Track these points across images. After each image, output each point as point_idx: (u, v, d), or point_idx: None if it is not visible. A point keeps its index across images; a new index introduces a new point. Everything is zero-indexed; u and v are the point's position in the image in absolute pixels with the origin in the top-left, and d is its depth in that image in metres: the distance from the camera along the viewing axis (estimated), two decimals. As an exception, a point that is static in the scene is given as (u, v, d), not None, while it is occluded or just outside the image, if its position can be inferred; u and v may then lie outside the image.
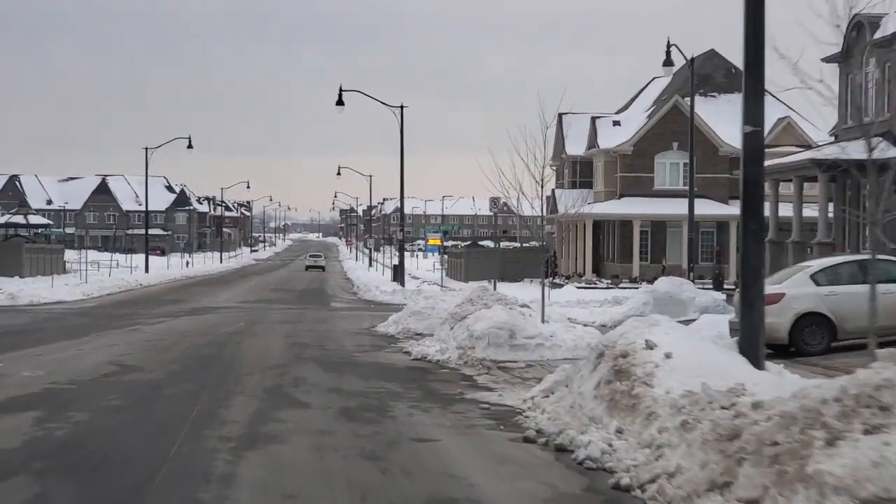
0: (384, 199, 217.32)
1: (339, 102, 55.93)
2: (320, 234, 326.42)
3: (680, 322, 33.00)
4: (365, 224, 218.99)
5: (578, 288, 53.38)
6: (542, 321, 23.89)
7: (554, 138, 67.33)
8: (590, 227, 55.98)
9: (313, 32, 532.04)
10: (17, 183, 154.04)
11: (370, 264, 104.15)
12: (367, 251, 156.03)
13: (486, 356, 21.73)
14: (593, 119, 58.62)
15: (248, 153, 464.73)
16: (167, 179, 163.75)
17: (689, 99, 57.85)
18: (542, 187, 30.58)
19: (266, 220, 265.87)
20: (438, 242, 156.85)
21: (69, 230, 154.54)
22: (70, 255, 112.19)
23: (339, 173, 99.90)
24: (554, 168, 71.37)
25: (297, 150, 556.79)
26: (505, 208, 38.57)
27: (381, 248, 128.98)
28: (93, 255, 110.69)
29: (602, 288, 54.19)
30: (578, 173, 62.06)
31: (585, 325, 28.55)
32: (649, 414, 10.94)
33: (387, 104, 56.50)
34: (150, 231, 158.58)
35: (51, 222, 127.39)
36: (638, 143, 56.04)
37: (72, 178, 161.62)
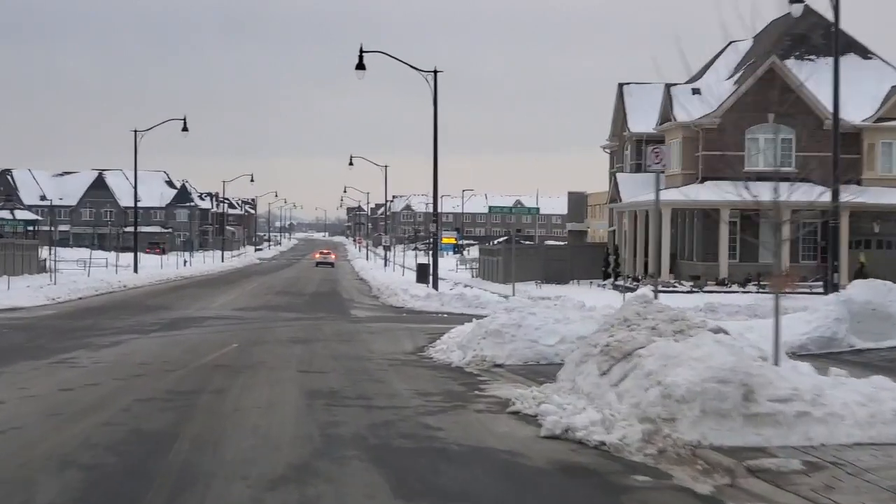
0: (393, 197, 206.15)
1: (360, 66, 45.14)
2: (326, 233, 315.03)
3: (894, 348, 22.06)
4: (373, 222, 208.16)
5: (655, 292, 42.21)
6: (776, 363, 12.89)
7: (612, 115, 56.29)
8: (667, 217, 44.85)
9: (316, 32, 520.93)
10: (8, 177, 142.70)
11: (385, 263, 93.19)
12: (381, 249, 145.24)
13: (703, 438, 10.78)
14: (668, 87, 47.47)
15: (252, 154, 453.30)
16: (167, 175, 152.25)
17: (788, 62, 46.92)
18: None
19: (271, 220, 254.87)
20: (452, 241, 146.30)
21: (63, 227, 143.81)
22: (59, 252, 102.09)
23: (350, 163, 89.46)
24: (608, 151, 60.25)
25: (301, 150, 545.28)
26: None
27: (392, 247, 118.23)
28: (82, 252, 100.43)
29: (684, 292, 43.14)
30: (644, 154, 50.88)
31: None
32: None
33: (417, 68, 45.58)
34: (150, 229, 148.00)
35: (40, 218, 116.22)
36: (726, 115, 44.95)
37: (67, 173, 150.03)
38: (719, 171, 45.93)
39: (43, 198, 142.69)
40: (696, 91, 47.36)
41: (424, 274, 58.27)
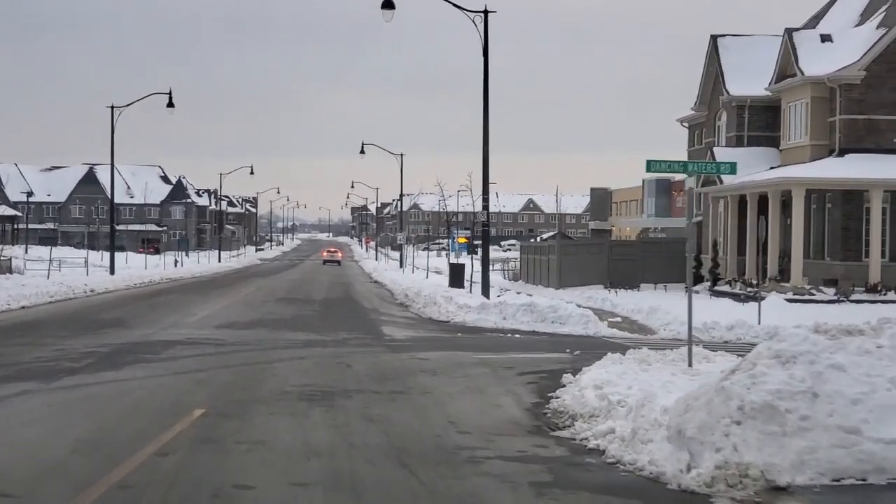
0: (401, 195, 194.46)
1: (387, 5, 33.91)
2: (330, 233, 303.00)
3: None
4: (378, 222, 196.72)
5: (789, 301, 30.72)
6: None
7: (702, 77, 44.57)
8: (799, 200, 33.00)
9: (319, 32, 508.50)
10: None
11: (401, 264, 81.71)
12: (389, 249, 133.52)
13: None
14: (789, 32, 35.73)
15: (254, 154, 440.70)
16: (162, 169, 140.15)
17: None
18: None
19: (273, 220, 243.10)
20: (466, 241, 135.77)
21: (51, 225, 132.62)
22: (38, 251, 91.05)
23: (362, 151, 78.35)
24: (686, 125, 48.52)
25: (303, 151, 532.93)
26: None
27: (408, 247, 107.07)
28: (66, 251, 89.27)
29: (824, 301, 31.54)
30: (748, 123, 39.32)
31: None
32: None
33: (462, 8, 34.19)
34: (144, 227, 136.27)
35: (19, 213, 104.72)
36: (871, 68, 33.33)
37: (56, 168, 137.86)
38: (863, 141, 34.39)
39: (30, 194, 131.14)
40: (825, 38, 35.72)
41: (459, 277, 47.03)
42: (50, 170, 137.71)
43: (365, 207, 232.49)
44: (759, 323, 27.01)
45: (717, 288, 36.35)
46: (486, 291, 34.55)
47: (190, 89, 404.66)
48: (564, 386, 15.29)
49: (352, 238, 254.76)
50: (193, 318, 29.07)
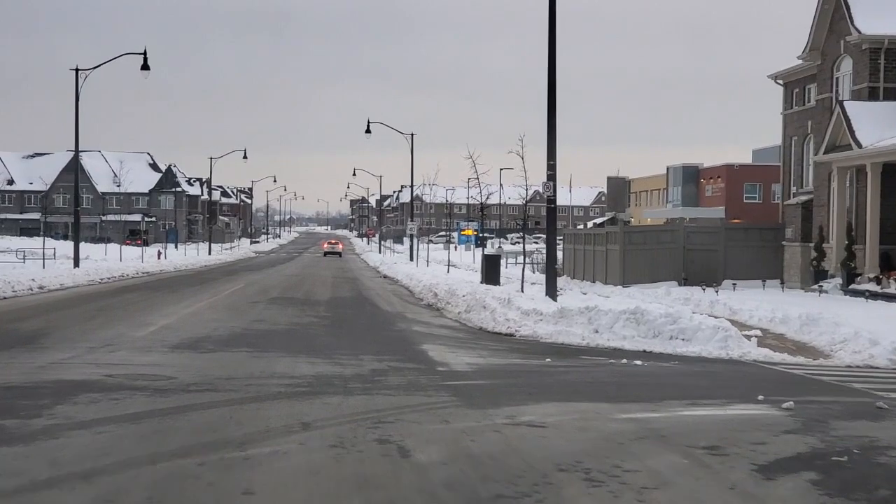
0: (402, 186, 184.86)
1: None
2: (329, 226, 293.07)
3: None
4: (378, 215, 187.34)
5: None
6: None
7: (814, 15, 35.01)
8: None
9: (320, 30, 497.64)
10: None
11: (412, 257, 72.33)
12: (391, 242, 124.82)
13: None
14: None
15: (252, 150, 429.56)
16: (151, 157, 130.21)
17: None
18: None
19: (270, 214, 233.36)
20: (473, 233, 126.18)
21: (34, 215, 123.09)
22: (7, 242, 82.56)
23: (368, 130, 68.75)
24: (780, 83, 38.86)
25: (302, 147, 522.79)
26: None
27: (412, 239, 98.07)
28: (47, 243, 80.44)
29: None
30: (883, 71, 29.79)
31: None
32: None
33: None
34: (132, 217, 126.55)
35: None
36: None
37: (38, 154, 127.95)
38: None
39: (10, 182, 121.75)
40: None
41: (494, 272, 37.80)
42: (32, 157, 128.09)
43: (364, 199, 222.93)
44: None
45: (854, 286, 27.02)
46: (552, 291, 25.24)
47: (189, 86, 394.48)
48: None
49: (351, 231, 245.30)
50: (146, 330, 19.69)
